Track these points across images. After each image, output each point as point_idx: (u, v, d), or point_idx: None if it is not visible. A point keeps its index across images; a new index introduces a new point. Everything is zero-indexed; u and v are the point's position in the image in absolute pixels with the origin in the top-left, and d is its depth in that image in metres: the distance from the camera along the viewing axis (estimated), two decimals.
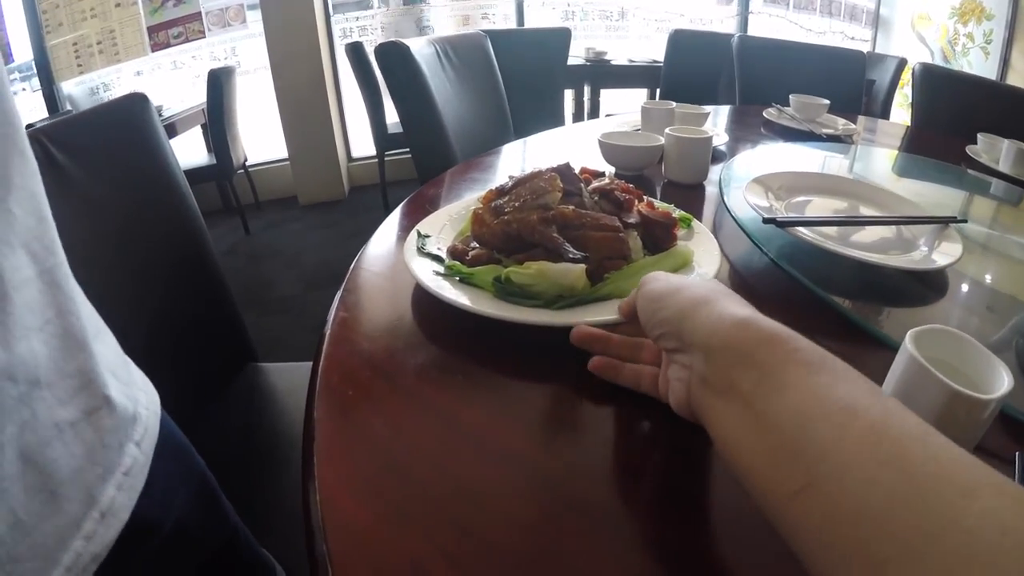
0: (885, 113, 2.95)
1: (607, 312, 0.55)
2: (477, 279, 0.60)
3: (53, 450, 0.35)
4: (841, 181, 0.96)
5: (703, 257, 0.66)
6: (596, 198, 0.68)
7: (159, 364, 0.88)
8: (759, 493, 0.30)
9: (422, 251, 0.66)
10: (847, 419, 0.27)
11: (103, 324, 0.45)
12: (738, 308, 0.36)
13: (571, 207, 0.64)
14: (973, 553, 0.22)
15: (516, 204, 0.64)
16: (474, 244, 0.66)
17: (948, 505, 0.23)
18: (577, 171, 0.72)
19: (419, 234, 0.69)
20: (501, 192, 0.68)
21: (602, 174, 0.76)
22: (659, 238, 0.66)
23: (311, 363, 1.07)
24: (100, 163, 0.84)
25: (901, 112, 3.74)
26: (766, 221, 0.70)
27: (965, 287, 0.76)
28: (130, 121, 0.92)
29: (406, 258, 0.64)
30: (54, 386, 0.35)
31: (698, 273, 0.63)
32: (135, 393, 0.44)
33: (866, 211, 0.87)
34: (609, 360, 0.49)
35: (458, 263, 0.63)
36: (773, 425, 0.30)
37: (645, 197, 0.72)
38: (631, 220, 0.65)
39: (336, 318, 0.60)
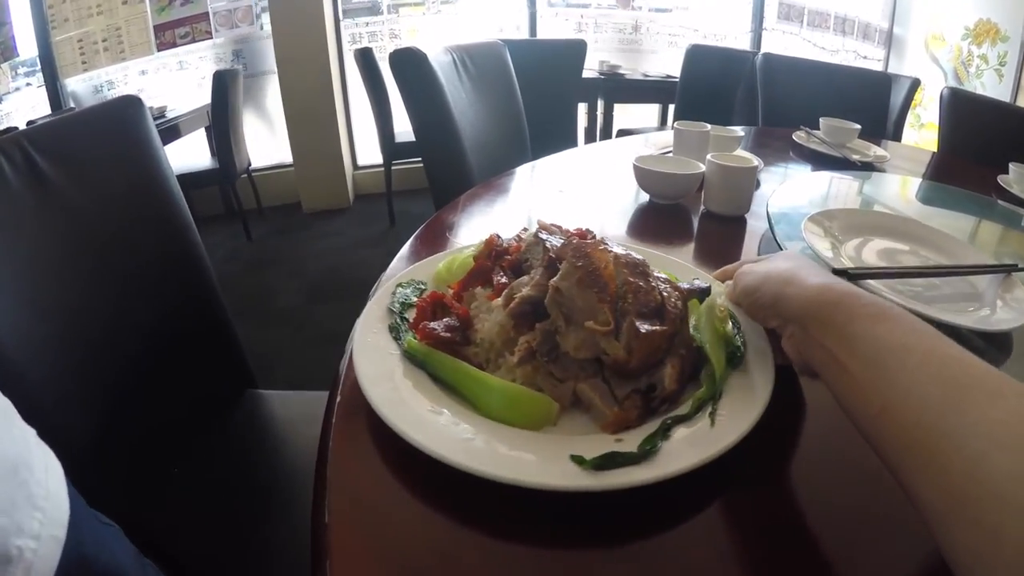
0: (898, 134, 2.91)
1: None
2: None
3: None
4: (897, 220, 0.91)
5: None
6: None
7: (149, 391, 0.82)
8: (853, 417, 0.40)
9: None
10: (904, 354, 0.37)
11: None
12: (814, 278, 0.46)
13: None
14: (1002, 435, 0.31)
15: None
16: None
17: (982, 406, 0.33)
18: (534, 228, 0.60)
19: None
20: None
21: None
22: None
23: (314, 393, 1.02)
24: (87, 171, 0.79)
25: (912, 132, 3.71)
26: (836, 272, 0.64)
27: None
28: (122, 126, 0.87)
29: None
30: None
31: None
32: (18, 519, 0.36)
33: (925, 254, 0.82)
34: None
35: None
36: (853, 369, 0.40)
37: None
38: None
39: (347, 380, 0.51)
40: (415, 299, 0.57)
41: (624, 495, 0.39)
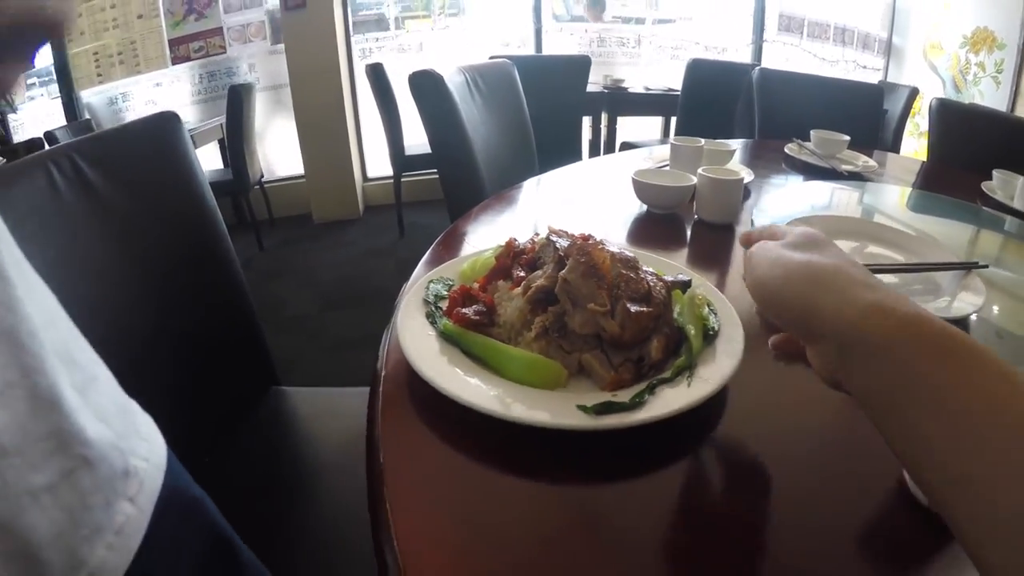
0: (896, 142, 2.95)
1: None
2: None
3: (30, 516, 0.33)
4: (872, 226, 0.99)
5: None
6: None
7: (183, 388, 0.88)
8: (917, 476, 0.32)
9: None
10: (994, 411, 0.28)
11: (99, 369, 0.44)
12: (863, 291, 0.35)
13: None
14: None
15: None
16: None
17: None
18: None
19: None
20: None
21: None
22: None
23: (337, 389, 1.09)
24: (130, 181, 0.84)
25: (912, 141, 3.75)
26: None
27: (984, 331, 0.78)
28: (161, 140, 0.91)
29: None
30: (24, 452, 0.34)
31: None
32: (132, 444, 0.43)
33: (897, 256, 0.89)
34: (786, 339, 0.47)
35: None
36: (920, 422, 0.31)
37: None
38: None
39: (389, 358, 0.61)
40: (446, 292, 0.68)
41: (619, 437, 0.50)
